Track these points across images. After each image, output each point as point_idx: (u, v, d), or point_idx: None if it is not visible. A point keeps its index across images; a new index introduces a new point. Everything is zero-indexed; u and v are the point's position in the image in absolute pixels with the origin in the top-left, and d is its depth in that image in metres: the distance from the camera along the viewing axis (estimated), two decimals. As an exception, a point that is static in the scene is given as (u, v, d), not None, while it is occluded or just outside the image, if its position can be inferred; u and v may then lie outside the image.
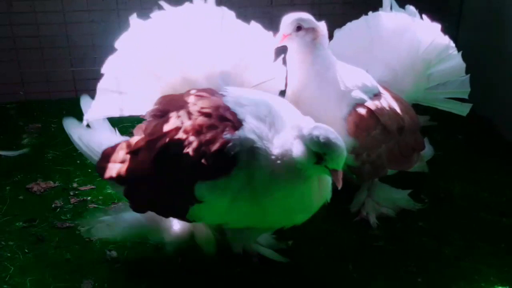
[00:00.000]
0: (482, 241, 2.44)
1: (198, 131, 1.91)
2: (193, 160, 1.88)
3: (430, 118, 3.06)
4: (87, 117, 2.16)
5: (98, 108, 2.16)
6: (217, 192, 1.88)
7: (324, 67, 2.36)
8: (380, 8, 2.85)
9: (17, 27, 3.57)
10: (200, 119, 1.94)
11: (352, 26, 2.88)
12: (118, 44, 2.19)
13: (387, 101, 2.48)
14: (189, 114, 1.97)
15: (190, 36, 2.23)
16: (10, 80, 3.63)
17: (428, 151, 2.82)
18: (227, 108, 1.95)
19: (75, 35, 3.64)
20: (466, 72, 2.73)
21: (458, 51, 2.73)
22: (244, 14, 2.43)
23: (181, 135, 1.92)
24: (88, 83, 3.56)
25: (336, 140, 1.82)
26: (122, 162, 2.04)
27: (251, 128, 1.88)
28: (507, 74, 3.21)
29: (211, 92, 2.09)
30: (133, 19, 2.21)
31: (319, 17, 2.43)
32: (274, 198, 1.88)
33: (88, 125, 2.21)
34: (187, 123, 1.94)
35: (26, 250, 2.38)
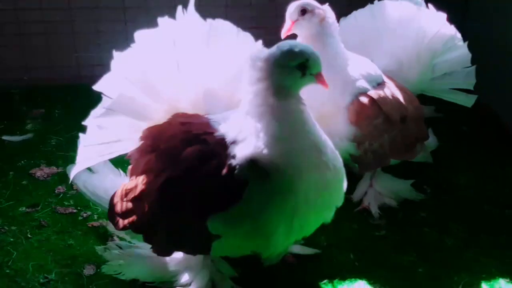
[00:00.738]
0: (484, 232, 2.44)
1: (190, 163, 1.81)
2: (195, 195, 1.80)
3: (435, 109, 3.05)
4: (73, 172, 2.08)
5: (82, 160, 2.06)
6: (234, 222, 1.78)
7: (332, 56, 2.35)
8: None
9: (21, 12, 3.56)
10: (189, 150, 1.83)
11: (357, 15, 2.87)
12: (98, 87, 1.99)
13: (391, 91, 2.47)
14: (178, 145, 1.87)
15: (173, 60, 2.03)
16: (14, 66, 3.62)
17: (432, 141, 2.81)
18: (212, 130, 1.85)
19: (80, 21, 3.63)
20: (472, 63, 2.71)
21: (464, 41, 2.72)
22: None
23: (176, 171, 1.83)
24: (92, 69, 3.56)
25: (303, 44, 1.79)
26: (129, 210, 1.96)
27: (235, 139, 1.79)
28: (511, 65, 3.19)
29: (197, 117, 1.98)
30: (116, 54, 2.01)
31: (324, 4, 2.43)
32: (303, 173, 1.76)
33: (90, 169, 2.21)
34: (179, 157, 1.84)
35: (29, 235, 2.39)
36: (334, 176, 1.85)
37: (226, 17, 2.11)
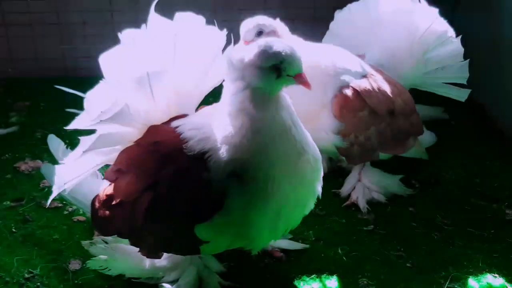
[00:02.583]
0: (472, 226, 2.44)
1: (167, 183, 1.80)
2: (180, 208, 1.80)
3: (443, 110, 3.06)
4: (53, 196, 2.05)
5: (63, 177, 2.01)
6: (220, 229, 1.79)
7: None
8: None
9: (6, 3, 3.52)
10: (164, 173, 1.81)
11: (352, 7, 2.87)
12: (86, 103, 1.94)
13: (377, 83, 2.47)
14: (152, 167, 1.85)
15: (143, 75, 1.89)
16: (-2, 57, 3.59)
17: (428, 137, 2.82)
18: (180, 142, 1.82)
19: (65, 12, 3.59)
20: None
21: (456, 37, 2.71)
22: None
23: (156, 189, 1.81)
24: (78, 61, 3.53)
25: (281, 43, 1.72)
26: (113, 217, 1.92)
27: (209, 149, 1.77)
28: (501, 61, 3.20)
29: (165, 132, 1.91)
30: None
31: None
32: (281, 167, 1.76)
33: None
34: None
35: (14, 230, 2.36)
36: (313, 169, 1.86)
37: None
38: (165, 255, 2.04)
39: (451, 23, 2.74)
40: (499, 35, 3.20)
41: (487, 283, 2.13)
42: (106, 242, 2.13)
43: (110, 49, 1.88)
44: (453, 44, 2.71)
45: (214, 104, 1.94)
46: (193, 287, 2.04)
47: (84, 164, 1.98)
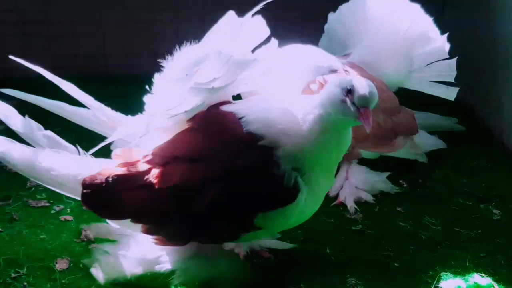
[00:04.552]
0: (459, 226, 2.45)
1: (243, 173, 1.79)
2: (248, 195, 1.80)
3: (457, 121, 3.07)
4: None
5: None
6: (281, 218, 1.84)
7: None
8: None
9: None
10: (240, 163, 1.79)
11: (342, 8, 2.90)
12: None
13: None
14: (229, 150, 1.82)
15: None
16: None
17: (428, 141, 2.84)
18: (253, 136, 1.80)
19: (54, 10, 3.57)
20: (452, 56, 2.71)
21: (443, 33, 2.72)
22: None
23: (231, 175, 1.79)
24: (66, 60, 3.51)
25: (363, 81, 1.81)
26: (128, 200, 1.83)
27: (282, 143, 1.80)
28: (490, 60, 3.22)
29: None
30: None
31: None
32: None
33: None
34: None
35: (0, 229, 2.34)
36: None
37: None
38: (171, 251, 1.95)
39: (440, 22, 2.74)
40: (488, 34, 3.22)
41: (474, 282, 2.14)
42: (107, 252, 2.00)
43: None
44: (438, 41, 2.71)
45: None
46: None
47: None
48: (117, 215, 1.89)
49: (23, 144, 1.95)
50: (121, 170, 1.85)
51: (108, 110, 2.00)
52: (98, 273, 1.98)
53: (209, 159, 1.80)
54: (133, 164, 1.86)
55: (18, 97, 1.91)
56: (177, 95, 1.79)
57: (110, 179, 1.82)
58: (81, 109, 1.96)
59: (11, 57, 1.86)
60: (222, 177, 1.78)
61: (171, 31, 3.58)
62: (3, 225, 2.36)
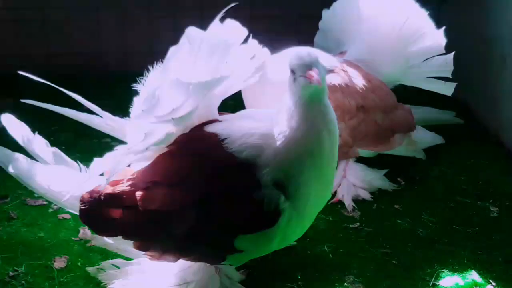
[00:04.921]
0: (457, 224, 2.46)
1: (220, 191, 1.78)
2: (226, 221, 1.78)
3: (455, 115, 3.06)
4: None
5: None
6: (262, 241, 1.81)
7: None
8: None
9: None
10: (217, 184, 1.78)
11: (336, 5, 2.89)
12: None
13: (344, 79, 2.49)
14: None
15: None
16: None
17: (426, 137, 2.84)
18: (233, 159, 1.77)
19: (51, 8, 3.56)
20: (449, 51, 2.70)
21: (440, 28, 2.71)
22: None
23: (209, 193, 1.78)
24: (63, 58, 3.50)
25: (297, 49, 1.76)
26: (119, 217, 1.84)
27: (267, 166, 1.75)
28: (486, 58, 3.22)
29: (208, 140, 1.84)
30: None
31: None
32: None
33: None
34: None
35: (-2, 228, 2.34)
36: (332, 177, 1.92)
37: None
38: (185, 267, 1.99)
39: (437, 19, 2.74)
40: (484, 32, 3.23)
41: (472, 280, 2.15)
42: (117, 267, 2.05)
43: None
44: (434, 36, 2.70)
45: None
46: None
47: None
48: (109, 232, 1.92)
49: (29, 158, 2.03)
50: (110, 189, 1.86)
51: (117, 118, 1.99)
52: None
53: (187, 184, 1.80)
54: (119, 183, 1.87)
55: (37, 105, 1.97)
56: (139, 131, 1.79)
57: (102, 197, 1.85)
58: (93, 117, 1.97)
59: (20, 72, 1.86)
60: (199, 202, 1.78)
61: (168, 29, 3.57)
62: (1, 223, 2.36)
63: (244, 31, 1.82)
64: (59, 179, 1.95)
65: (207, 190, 1.78)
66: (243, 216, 1.77)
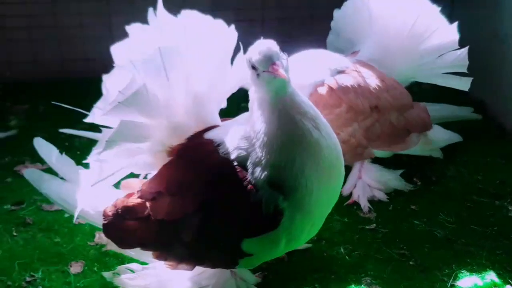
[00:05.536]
0: (474, 223, 2.43)
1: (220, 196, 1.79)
2: (228, 225, 1.78)
3: (472, 111, 3.03)
4: (77, 212, 1.96)
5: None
6: (268, 244, 1.79)
7: None
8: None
9: (3, 6, 3.50)
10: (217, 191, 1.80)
11: (347, 4, 2.87)
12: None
13: (357, 79, 2.48)
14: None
15: (159, 69, 1.82)
16: (-4, 60, 3.58)
17: (442, 135, 2.81)
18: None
19: (63, 15, 3.58)
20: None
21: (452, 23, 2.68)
22: None
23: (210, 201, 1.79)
24: (76, 64, 3.51)
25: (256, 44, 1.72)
26: (136, 229, 1.88)
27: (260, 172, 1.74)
28: (501, 55, 3.19)
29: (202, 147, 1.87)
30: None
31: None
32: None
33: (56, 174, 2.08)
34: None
35: (14, 233, 2.35)
36: (339, 169, 1.86)
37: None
38: (201, 271, 2.01)
39: (449, 16, 2.70)
40: (499, 29, 3.20)
41: (491, 280, 2.13)
42: (133, 271, 2.06)
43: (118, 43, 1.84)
44: (447, 31, 2.65)
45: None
46: None
47: (107, 169, 1.90)
48: (130, 245, 1.95)
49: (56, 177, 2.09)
50: (126, 202, 1.90)
51: None
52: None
53: (187, 192, 1.82)
54: (130, 196, 1.92)
55: (72, 133, 2.04)
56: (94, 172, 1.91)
57: (119, 210, 1.90)
58: None
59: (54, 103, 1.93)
60: (201, 209, 1.78)
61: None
62: (17, 229, 2.37)
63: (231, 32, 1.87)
64: (83, 197, 1.99)
65: (206, 197, 1.79)
66: (244, 219, 1.77)
